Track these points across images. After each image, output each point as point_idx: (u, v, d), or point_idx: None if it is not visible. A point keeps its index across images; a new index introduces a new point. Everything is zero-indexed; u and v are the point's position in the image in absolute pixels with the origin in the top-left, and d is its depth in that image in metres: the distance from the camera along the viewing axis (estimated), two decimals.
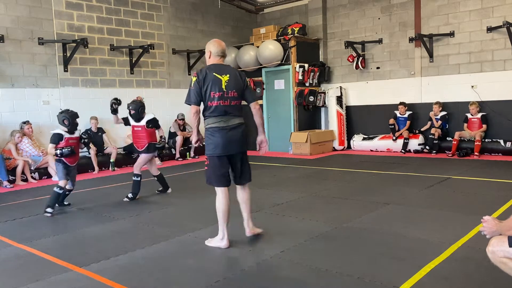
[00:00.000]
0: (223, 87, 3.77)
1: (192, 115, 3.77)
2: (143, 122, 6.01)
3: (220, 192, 3.83)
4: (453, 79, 9.55)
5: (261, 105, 11.23)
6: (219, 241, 3.86)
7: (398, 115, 10.04)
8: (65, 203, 5.77)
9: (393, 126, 9.97)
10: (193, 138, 3.93)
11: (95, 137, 8.94)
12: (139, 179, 6.01)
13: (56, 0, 8.67)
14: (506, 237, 2.33)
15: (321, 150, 10.43)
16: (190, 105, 3.77)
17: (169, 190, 6.43)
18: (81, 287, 3.16)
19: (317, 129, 11.16)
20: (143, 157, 6.08)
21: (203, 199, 5.69)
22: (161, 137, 6.25)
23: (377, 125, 10.55)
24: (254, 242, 4.01)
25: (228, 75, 3.81)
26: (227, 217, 3.85)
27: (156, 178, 6.36)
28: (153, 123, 6.08)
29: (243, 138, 3.90)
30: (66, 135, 5.47)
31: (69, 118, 5.47)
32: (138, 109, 5.98)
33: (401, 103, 10.00)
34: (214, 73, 3.77)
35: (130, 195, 5.98)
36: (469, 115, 9.12)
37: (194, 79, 3.77)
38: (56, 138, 5.42)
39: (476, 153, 8.60)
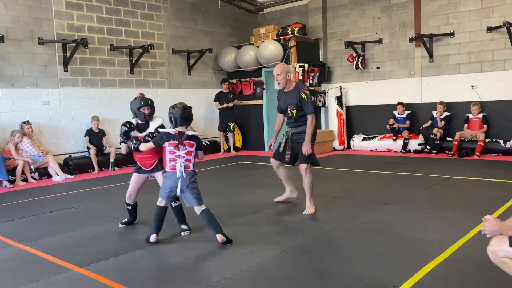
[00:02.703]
0: None
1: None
2: (151, 130, 4.47)
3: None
4: (453, 79, 9.55)
5: (261, 105, 11.25)
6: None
7: (397, 115, 10.05)
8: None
9: (393, 126, 9.95)
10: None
11: (96, 137, 8.94)
12: (130, 207, 4.76)
13: (56, 0, 8.67)
14: (506, 237, 2.33)
15: (321, 150, 10.42)
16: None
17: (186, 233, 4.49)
18: (81, 287, 3.16)
19: (317, 129, 11.14)
20: (139, 178, 4.58)
21: (203, 199, 5.68)
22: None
23: (377, 125, 10.55)
24: (254, 242, 4.01)
25: None
26: None
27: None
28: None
29: None
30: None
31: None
32: (137, 108, 4.47)
33: (399, 103, 10.01)
34: None
35: (124, 220, 4.83)
36: (470, 115, 9.12)
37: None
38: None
39: (477, 153, 8.60)
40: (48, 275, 3.38)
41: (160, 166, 4.43)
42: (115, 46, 9.55)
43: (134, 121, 4.47)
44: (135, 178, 4.57)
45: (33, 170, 7.95)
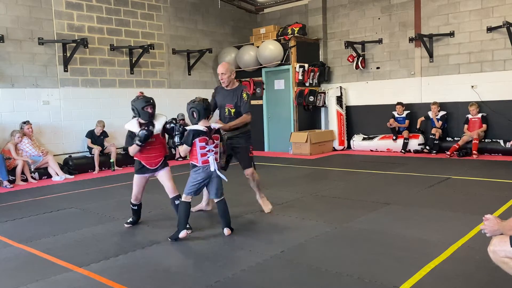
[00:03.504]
0: None
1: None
2: (156, 130, 4.36)
3: None
4: (453, 79, 9.55)
5: (261, 105, 11.25)
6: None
7: (396, 115, 10.04)
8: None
9: (393, 127, 9.95)
10: None
11: (98, 139, 8.94)
12: (136, 207, 4.68)
13: (56, 0, 8.67)
14: (507, 236, 2.32)
15: (321, 150, 10.42)
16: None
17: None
18: (81, 287, 3.16)
19: (317, 129, 11.16)
20: (142, 179, 4.50)
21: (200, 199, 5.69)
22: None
23: (377, 125, 10.55)
24: (254, 242, 4.01)
25: None
26: None
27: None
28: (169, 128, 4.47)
29: None
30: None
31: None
32: (142, 108, 4.32)
33: (399, 103, 10.00)
34: None
35: (129, 220, 4.76)
36: (469, 116, 9.11)
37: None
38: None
39: (474, 152, 8.59)
40: (48, 275, 3.38)
41: (163, 164, 4.48)
42: (115, 46, 9.55)
43: (136, 123, 4.39)
44: (138, 179, 4.51)
45: (33, 170, 7.95)
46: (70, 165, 8.53)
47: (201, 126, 4.07)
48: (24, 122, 8.07)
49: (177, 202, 4.36)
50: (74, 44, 8.63)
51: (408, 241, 3.85)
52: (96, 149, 8.68)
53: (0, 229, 4.79)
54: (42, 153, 8.01)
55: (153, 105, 4.38)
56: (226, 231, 4.17)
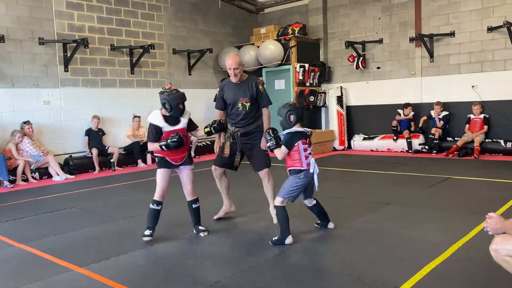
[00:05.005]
0: None
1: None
2: (183, 124, 4.17)
3: None
4: (453, 79, 9.54)
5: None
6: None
7: (403, 116, 9.93)
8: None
9: (396, 128, 9.90)
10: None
11: (96, 136, 8.95)
12: (159, 207, 4.24)
13: (56, 0, 8.67)
14: (510, 235, 2.32)
15: (321, 150, 10.42)
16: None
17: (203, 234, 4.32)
18: (81, 287, 3.16)
19: (318, 129, 11.15)
20: (167, 173, 4.20)
21: (204, 199, 5.68)
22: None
23: (378, 125, 10.55)
24: (254, 242, 4.01)
25: None
26: None
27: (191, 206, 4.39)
28: (193, 123, 4.36)
29: None
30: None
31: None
32: (176, 104, 4.06)
33: (407, 104, 9.88)
34: None
35: (147, 232, 4.19)
36: (471, 116, 9.10)
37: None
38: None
39: (475, 154, 8.59)
40: (49, 275, 3.38)
41: (188, 160, 4.24)
42: (116, 46, 9.55)
43: (160, 115, 4.11)
44: (164, 173, 4.15)
45: (33, 170, 7.96)
46: (71, 165, 8.54)
47: (302, 128, 3.98)
48: (25, 122, 8.07)
49: (194, 205, 4.27)
50: (75, 44, 8.64)
51: (408, 241, 3.85)
52: (94, 150, 8.68)
53: (1, 229, 4.79)
54: (42, 153, 8.01)
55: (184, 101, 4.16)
56: (332, 225, 4.29)
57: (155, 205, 4.15)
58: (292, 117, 3.94)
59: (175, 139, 3.99)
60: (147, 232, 4.12)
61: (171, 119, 4.10)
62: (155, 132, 4.07)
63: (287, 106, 4.01)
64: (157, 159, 4.20)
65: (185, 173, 4.24)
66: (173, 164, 4.16)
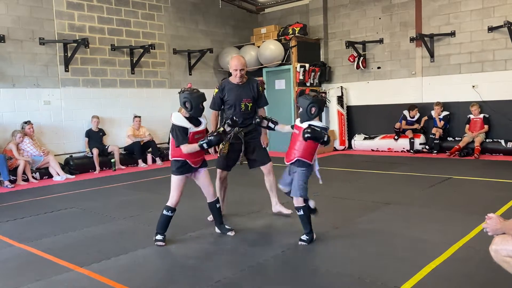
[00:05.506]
0: None
1: None
2: (204, 125, 4.09)
3: None
4: (454, 79, 9.54)
5: None
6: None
7: (409, 118, 9.85)
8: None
9: (398, 129, 9.88)
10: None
11: (96, 136, 8.96)
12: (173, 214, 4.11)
13: (57, 0, 8.68)
14: (509, 236, 2.32)
15: (321, 150, 10.40)
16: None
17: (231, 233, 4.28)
18: (82, 287, 3.16)
19: None
20: (183, 180, 4.05)
21: (204, 199, 5.68)
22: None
23: (378, 125, 10.55)
24: (254, 242, 4.01)
25: None
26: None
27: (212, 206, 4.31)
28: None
29: None
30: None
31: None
32: (198, 103, 3.96)
33: (413, 106, 9.78)
34: None
35: (159, 237, 4.07)
36: (471, 116, 9.10)
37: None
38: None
39: (476, 154, 8.59)
40: (49, 275, 3.38)
41: (204, 162, 4.14)
42: (116, 46, 9.56)
43: (183, 117, 3.98)
44: (180, 180, 4.01)
45: (34, 170, 7.96)
46: (71, 165, 8.54)
47: (321, 123, 3.90)
48: (25, 122, 8.08)
49: (218, 205, 4.22)
50: (75, 44, 8.64)
51: (409, 241, 3.85)
52: (95, 151, 8.68)
53: (1, 229, 4.79)
54: (43, 153, 8.02)
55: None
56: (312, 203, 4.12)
57: (169, 212, 4.05)
58: (313, 110, 3.84)
59: (215, 134, 3.88)
60: (159, 237, 4.02)
61: (193, 120, 3.99)
62: (184, 134, 3.93)
63: (309, 98, 3.85)
64: (175, 165, 3.99)
65: (203, 175, 4.13)
66: (192, 168, 4.02)
